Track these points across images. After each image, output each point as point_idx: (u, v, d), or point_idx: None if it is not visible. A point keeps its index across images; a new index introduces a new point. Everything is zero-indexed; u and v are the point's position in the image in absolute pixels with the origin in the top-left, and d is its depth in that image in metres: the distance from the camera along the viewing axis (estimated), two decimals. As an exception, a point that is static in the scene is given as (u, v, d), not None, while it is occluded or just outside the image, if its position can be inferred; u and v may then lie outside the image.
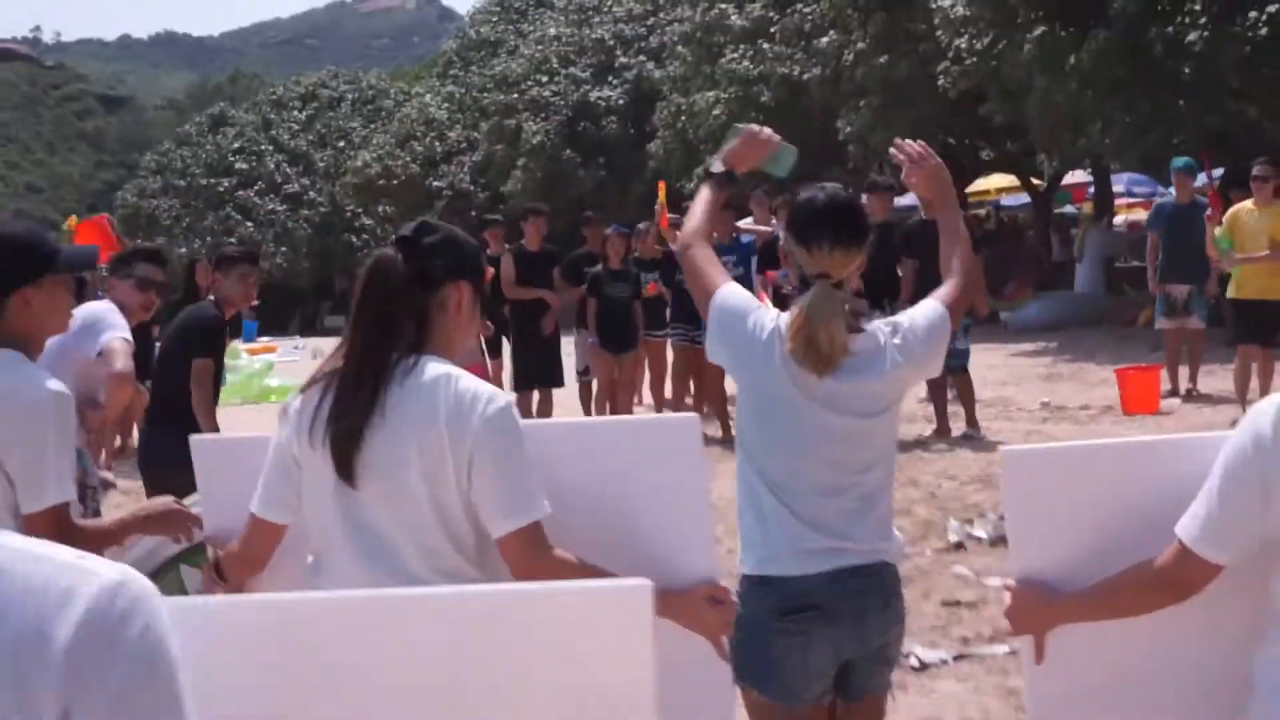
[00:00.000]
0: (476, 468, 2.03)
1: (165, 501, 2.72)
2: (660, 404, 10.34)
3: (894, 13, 19.09)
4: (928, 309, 2.63)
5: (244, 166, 45.83)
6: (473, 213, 29.15)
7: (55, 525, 2.37)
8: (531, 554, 2.03)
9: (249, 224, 43.77)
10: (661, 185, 11.87)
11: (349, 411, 2.07)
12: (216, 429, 5.06)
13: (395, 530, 2.05)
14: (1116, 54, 15.89)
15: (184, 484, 4.48)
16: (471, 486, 2.04)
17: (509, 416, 2.06)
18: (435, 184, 36.39)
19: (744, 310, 2.57)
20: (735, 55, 23.37)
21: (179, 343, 5.28)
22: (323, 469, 2.11)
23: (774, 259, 9.02)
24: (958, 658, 4.80)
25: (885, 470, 2.58)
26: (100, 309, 4.70)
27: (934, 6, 17.28)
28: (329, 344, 14.04)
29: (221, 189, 45.30)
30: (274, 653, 1.70)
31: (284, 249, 42.57)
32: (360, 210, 41.51)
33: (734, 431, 9.75)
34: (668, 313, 9.93)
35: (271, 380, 15.57)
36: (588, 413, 10.35)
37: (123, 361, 4.37)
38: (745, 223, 10.52)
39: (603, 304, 9.39)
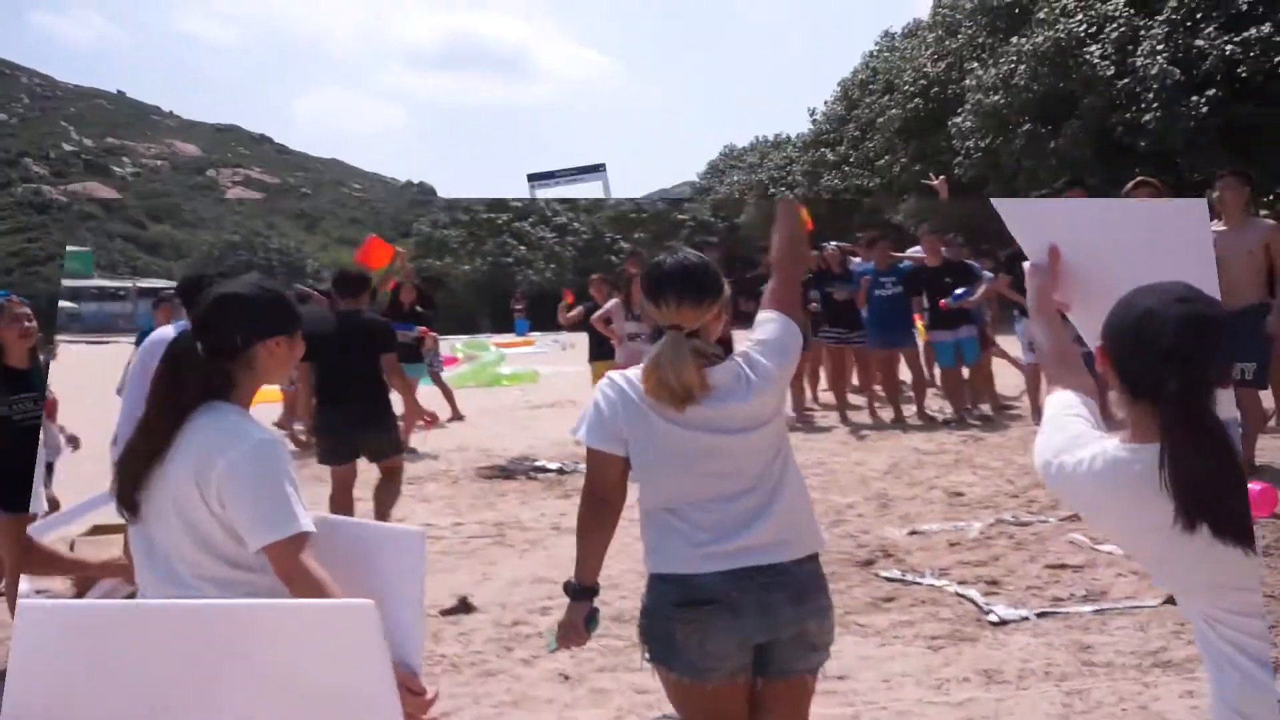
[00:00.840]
0: (226, 500, 2.10)
1: (117, 557, 3.12)
2: (841, 397, 10.40)
3: (926, 138, 28.73)
4: (771, 326, 2.53)
5: (518, 204, 49.49)
6: (713, 237, 31.66)
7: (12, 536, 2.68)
8: (285, 562, 2.07)
9: (522, 248, 47.85)
10: (799, 208, 11.64)
11: (130, 458, 2.21)
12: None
13: (165, 545, 2.19)
14: (1086, 138, 21.02)
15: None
16: (227, 514, 2.12)
17: (258, 453, 2.11)
18: (679, 216, 40.32)
19: (590, 419, 2.45)
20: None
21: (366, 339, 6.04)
22: None
23: (929, 284, 9.74)
24: (1041, 614, 4.41)
25: (781, 471, 2.45)
26: (164, 331, 4.74)
27: (950, 125, 24.88)
28: (576, 337, 14.29)
29: (499, 221, 49.02)
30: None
31: (552, 265, 47.00)
32: (619, 236, 45.49)
33: (904, 412, 9.31)
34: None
35: (503, 369, 16.04)
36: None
37: None
38: (913, 251, 10.78)
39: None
